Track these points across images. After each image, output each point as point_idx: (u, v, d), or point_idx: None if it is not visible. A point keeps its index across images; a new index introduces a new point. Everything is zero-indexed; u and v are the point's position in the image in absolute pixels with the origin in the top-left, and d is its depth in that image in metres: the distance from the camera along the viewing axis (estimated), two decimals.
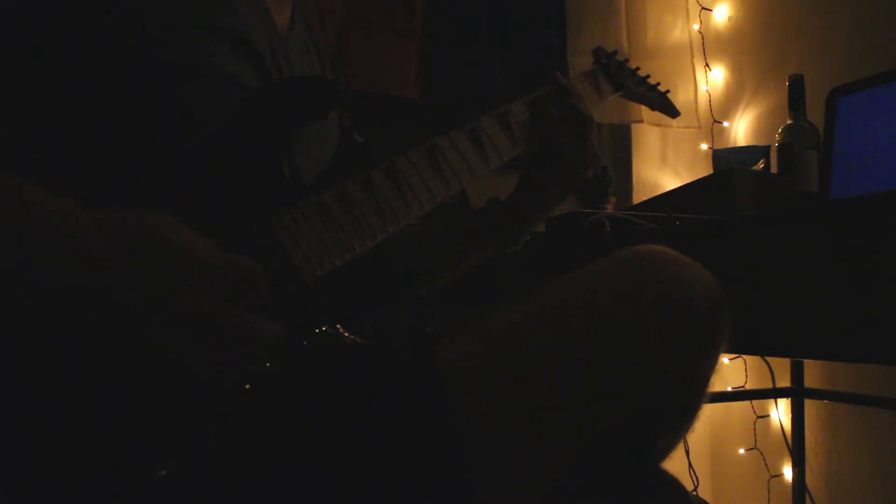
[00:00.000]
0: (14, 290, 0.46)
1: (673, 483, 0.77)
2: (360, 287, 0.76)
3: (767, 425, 2.03)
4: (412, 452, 0.60)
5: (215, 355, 0.51)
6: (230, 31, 0.75)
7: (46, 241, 0.47)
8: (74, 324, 0.47)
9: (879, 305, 0.89)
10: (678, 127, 2.27)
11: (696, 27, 2.31)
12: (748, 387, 2.00)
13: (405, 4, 2.05)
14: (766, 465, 2.00)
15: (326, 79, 0.93)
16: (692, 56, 2.30)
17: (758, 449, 2.03)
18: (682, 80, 2.28)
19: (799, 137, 1.48)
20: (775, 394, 1.94)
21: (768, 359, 1.91)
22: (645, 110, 2.00)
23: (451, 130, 0.83)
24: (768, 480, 1.99)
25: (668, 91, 1.25)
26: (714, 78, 2.29)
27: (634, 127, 2.38)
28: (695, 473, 1.88)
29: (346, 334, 0.70)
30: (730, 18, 2.26)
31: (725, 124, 2.25)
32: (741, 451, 2.08)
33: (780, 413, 1.98)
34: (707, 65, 2.29)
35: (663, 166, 2.41)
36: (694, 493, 1.86)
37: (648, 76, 1.21)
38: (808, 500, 1.86)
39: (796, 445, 1.88)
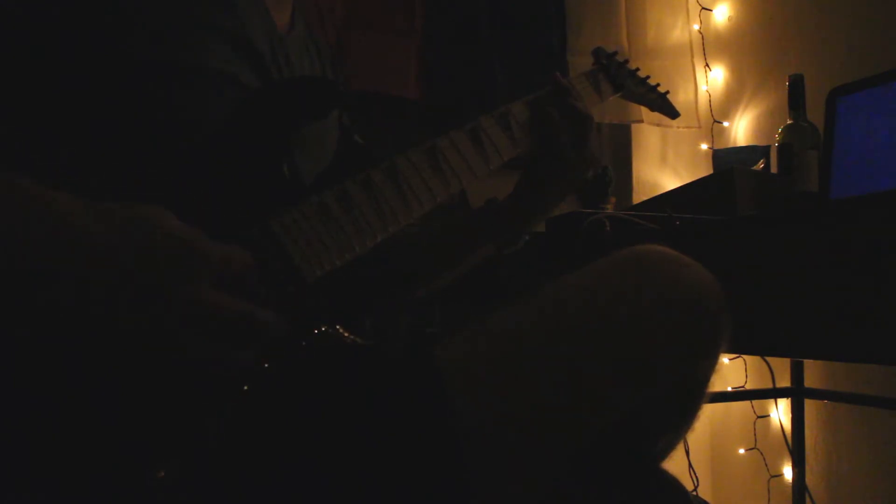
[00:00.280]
0: (15, 290, 0.46)
1: (673, 483, 0.77)
2: (360, 287, 0.76)
3: (767, 425, 2.02)
4: (412, 452, 0.60)
5: (221, 346, 0.51)
6: (230, 31, 0.75)
7: (48, 239, 0.47)
8: (77, 321, 0.47)
9: (879, 305, 0.89)
10: (678, 127, 2.27)
11: (696, 27, 2.31)
12: (748, 387, 2.00)
13: (405, 4, 2.05)
14: (766, 465, 2.00)
15: (326, 79, 0.93)
16: (692, 56, 2.29)
17: (758, 449, 2.03)
18: (682, 80, 2.28)
19: (799, 137, 1.48)
20: (775, 394, 1.94)
21: (768, 359, 1.91)
22: (645, 110, 2.00)
23: (451, 130, 0.83)
24: (768, 480, 1.99)
25: (667, 92, 1.25)
26: (714, 78, 2.29)
27: (634, 127, 2.38)
28: (695, 473, 1.88)
29: (346, 334, 0.70)
30: (730, 18, 2.26)
31: (725, 124, 2.25)
32: (741, 451, 2.08)
33: (780, 413, 1.98)
34: (707, 65, 2.29)
35: (663, 166, 2.41)
36: (694, 493, 1.86)
37: (648, 77, 1.21)
38: (808, 500, 1.86)
39: (796, 445, 1.88)
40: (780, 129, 1.53)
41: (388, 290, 0.97)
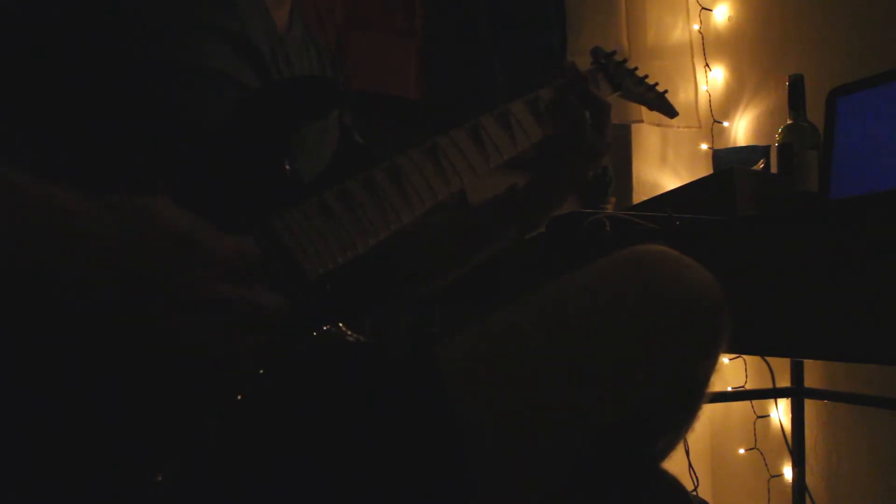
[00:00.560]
0: (14, 289, 0.46)
1: (673, 483, 0.77)
2: (362, 286, 0.76)
3: (767, 425, 2.02)
4: (412, 452, 0.60)
5: (228, 334, 0.51)
6: (230, 30, 0.75)
7: (48, 237, 0.47)
8: (77, 320, 0.47)
9: (879, 305, 0.89)
10: (678, 127, 2.27)
11: (696, 27, 2.31)
12: (748, 387, 2.00)
13: (405, 4, 2.05)
14: (766, 465, 2.00)
15: (326, 79, 0.93)
16: (692, 56, 2.29)
17: (758, 449, 2.03)
18: (682, 80, 2.28)
19: (799, 137, 1.48)
20: (775, 394, 1.94)
21: (768, 359, 1.91)
22: (645, 110, 2.00)
23: (452, 129, 0.83)
24: (768, 480, 1.99)
25: (666, 91, 1.25)
26: (714, 78, 2.29)
27: (634, 127, 2.38)
28: (695, 473, 1.88)
29: (349, 333, 0.70)
30: (730, 18, 2.26)
31: (725, 124, 2.25)
32: (741, 451, 2.08)
33: (780, 413, 1.98)
34: (707, 65, 2.29)
35: (663, 166, 2.41)
36: (694, 493, 1.86)
37: (647, 76, 1.21)
38: (808, 500, 1.86)
39: (796, 445, 1.88)
40: (780, 129, 1.53)
41: (390, 289, 0.97)
